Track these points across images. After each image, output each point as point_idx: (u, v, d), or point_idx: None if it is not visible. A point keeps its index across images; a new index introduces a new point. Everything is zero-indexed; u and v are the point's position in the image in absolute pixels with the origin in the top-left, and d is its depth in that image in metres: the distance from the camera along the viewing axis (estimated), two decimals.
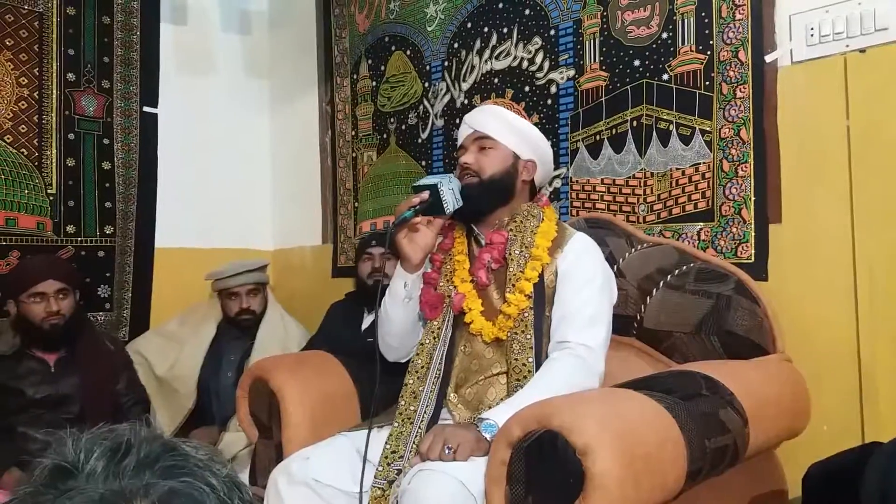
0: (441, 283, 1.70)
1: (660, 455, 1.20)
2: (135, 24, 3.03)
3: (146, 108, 3.05)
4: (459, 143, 1.75)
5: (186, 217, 3.11)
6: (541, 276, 1.59)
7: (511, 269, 1.61)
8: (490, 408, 1.51)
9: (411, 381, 1.64)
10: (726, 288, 1.66)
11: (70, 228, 2.85)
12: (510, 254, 1.63)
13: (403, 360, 1.73)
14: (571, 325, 1.54)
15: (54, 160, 2.82)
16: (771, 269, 1.80)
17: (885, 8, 1.62)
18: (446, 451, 1.35)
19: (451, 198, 1.59)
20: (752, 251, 1.82)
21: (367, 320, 2.46)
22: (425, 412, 1.58)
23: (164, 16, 3.11)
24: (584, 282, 1.60)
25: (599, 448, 1.12)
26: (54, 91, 2.83)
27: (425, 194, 1.59)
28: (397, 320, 1.71)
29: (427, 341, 1.66)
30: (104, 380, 2.33)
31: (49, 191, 2.80)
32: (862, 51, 1.66)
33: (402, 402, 1.62)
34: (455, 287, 1.67)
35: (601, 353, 1.55)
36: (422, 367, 1.64)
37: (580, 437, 1.14)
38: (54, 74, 2.83)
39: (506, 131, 1.67)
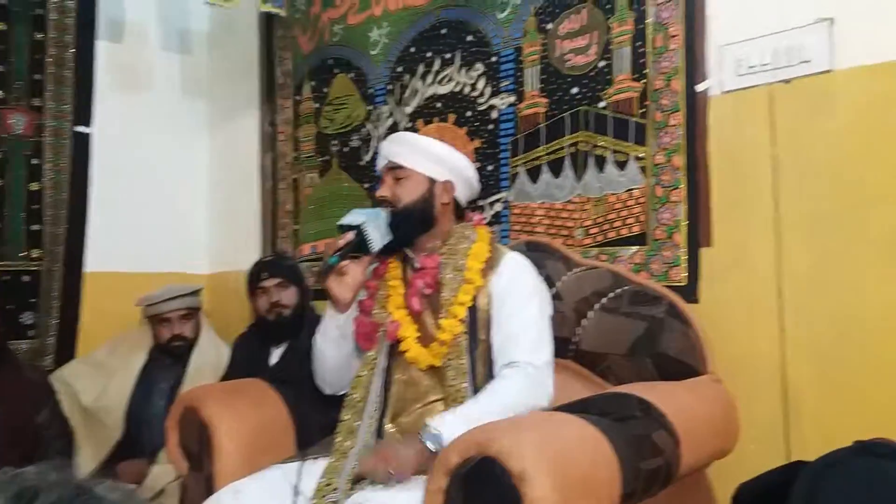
0: (376, 310, 1.68)
1: (595, 478, 1.20)
2: (69, 41, 2.94)
3: (78, 128, 2.95)
4: (378, 174, 1.75)
5: (119, 240, 3.00)
6: (474, 299, 1.59)
7: (444, 294, 1.60)
8: None
9: (348, 417, 1.61)
10: (659, 311, 1.69)
11: None
12: (443, 278, 1.62)
13: (341, 394, 1.70)
14: (517, 345, 1.55)
15: None
16: (702, 292, 1.84)
17: (809, 41, 1.69)
18: (388, 475, 1.33)
19: (377, 235, 1.58)
20: (684, 274, 1.86)
21: (275, 354, 2.40)
22: (364, 445, 1.55)
23: (101, 33, 3.02)
24: (524, 302, 1.60)
25: (536, 474, 1.12)
26: None
27: (350, 235, 1.57)
28: (331, 357, 1.69)
29: (363, 373, 1.64)
30: (24, 412, 2.21)
31: None
32: (787, 81, 1.73)
33: (339, 438, 1.58)
34: (390, 314, 1.66)
35: (549, 371, 1.56)
36: (359, 402, 1.62)
37: (517, 463, 1.13)
38: None
39: (417, 157, 1.66)
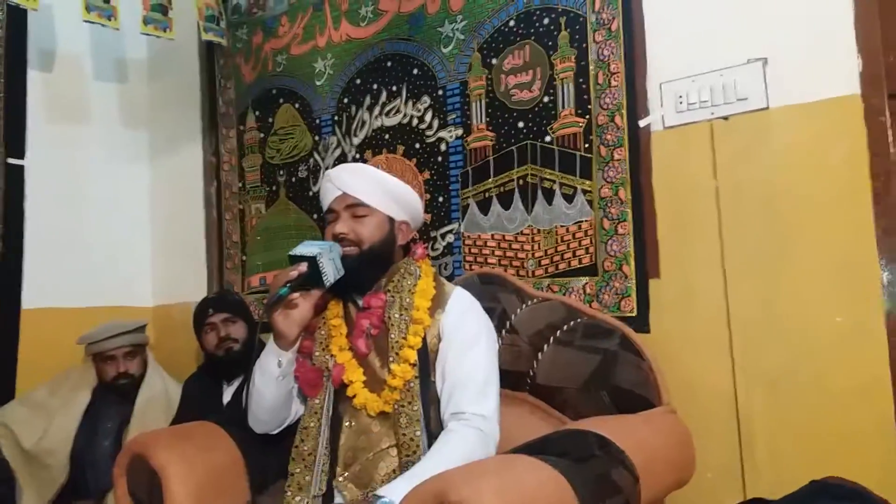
0: (317, 352, 1.62)
1: None
2: None
3: (11, 160, 2.84)
4: (326, 205, 1.65)
5: (58, 275, 2.90)
6: (423, 339, 1.55)
7: (392, 336, 1.55)
8: (382, 483, 1.47)
9: (298, 471, 1.56)
10: (612, 343, 1.72)
11: None
12: (389, 318, 1.57)
13: (274, 433, 1.67)
14: (464, 394, 1.51)
15: None
16: (652, 322, 1.88)
17: (745, 79, 1.76)
18: None
19: (331, 269, 1.52)
20: (634, 305, 1.90)
21: (227, 393, 2.35)
22: (316, 492, 1.52)
23: (32, 62, 2.93)
24: (470, 344, 1.57)
25: None
26: None
27: (303, 266, 1.50)
28: (269, 397, 1.62)
29: (311, 424, 1.58)
30: None
31: None
32: (725, 118, 1.79)
33: (289, 494, 1.54)
34: (333, 357, 1.60)
35: (496, 420, 1.54)
36: (308, 455, 1.56)
37: None
38: None
39: (379, 195, 1.60)
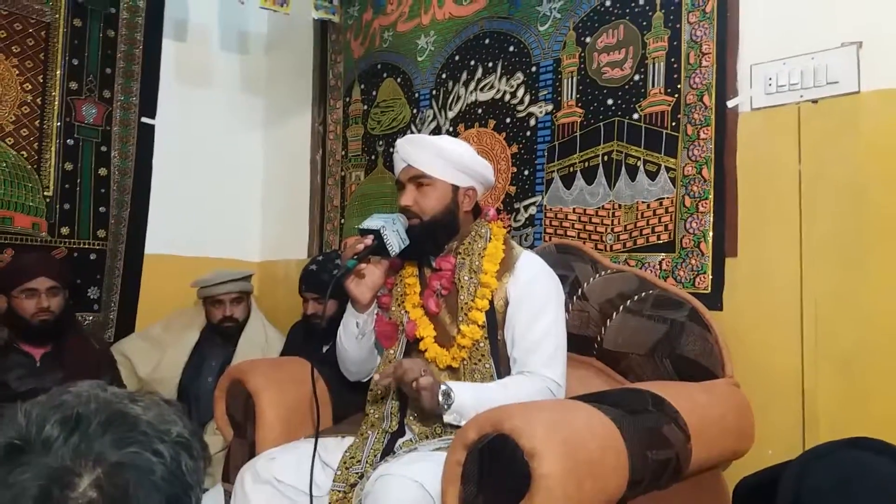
0: (393, 308, 1.74)
1: (602, 461, 1.29)
2: (138, 39, 3.15)
3: (144, 119, 3.16)
4: (396, 175, 1.71)
5: (177, 225, 3.20)
6: (491, 302, 1.62)
7: (461, 298, 1.64)
8: (446, 426, 1.59)
9: (371, 411, 1.71)
10: (681, 315, 1.77)
11: (64, 230, 2.94)
12: (459, 279, 1.65)
13: (365, 380, 1.81)
14: (535, 358, 1.59)
15: (53, 164, 2.92)
16: (726, 300, 1.91)
17: (836, 63, 1.75)
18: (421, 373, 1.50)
19: (395, 240, 1.60)
20: (709, 282, 1.93)
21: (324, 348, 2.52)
22: (387, 428, 1.66)
23: (167, 32, 3.24)
24: (539, 309, 1.63)
25: (546, 452, 1.21)
26: (56, 98, 2.94)
27: (369, 239, 1.60)
28: (353, 352, 1.76)
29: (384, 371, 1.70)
30: (88, 377, 2.36)
31: (46, 193, 2.90)
32: (814, 101, 1.79)
33: (363, 427, 1.69)
34: (407, 312, 1.70)
35: (561, 382, 1.62)
36: (381, 398, 1.70)
37: (529, 440, 1.23)
38: (57, 82, 2.94)
39: (441, 165, 1.64)
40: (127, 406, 0.61)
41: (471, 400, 1.51)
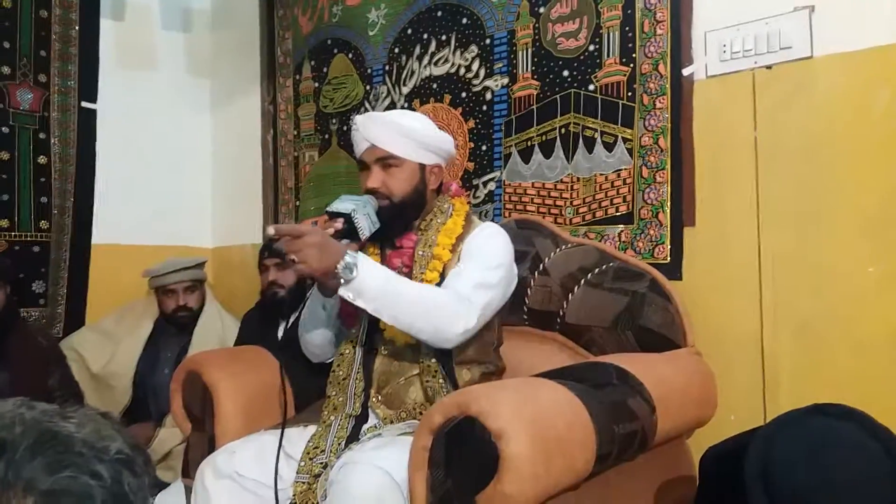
0: None
1: (570, 438, 1.28)
2: (73, 19, 3.01)
3: (84, 104, 3.02)
4: (358, 155, 1.66)
5: (125, 213, 3.09)
6: (442, 273, 1.59)
7: (414, 272, 1.60)
8: (412, 406, 1.57)
9: (333, 393, 1.67)
10: (641, 286, 1.77)
11: (3, 223, 2.81)
12: (416, 255, 1.63)
13: (329, 361, 1.77)
14: (460, 281, 1.54)
15: None
16: (685, 269, 1.91)
17: (790, 28, 1.75)
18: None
19: (366, 223, 1.56)
20: (668, 252, 1.94)
21: (282, 328, 2.47)
22: (350, 414, 1.62)
23: (104, 11, 3.10)
24: (485, 261, 1.58)
25: (513, 432, 1.19)
26: None
27: (339, 223, 1.55)
28: (318, 334, 1.73)
29: (346, 351, 1.68)
30: (35, 375, 2.31)
31: None
32: (769, 67, 1.79)
33: (325, 413, 1.65)
34: None
35: (477, 312, 1.53)
36: (343, 379, 1.66)
37: (495, 421, 1.20)
38: None
39: (407, 144, 1.60)
40: (58, 424, 0.55)
41: (377, 287, 1.43)
